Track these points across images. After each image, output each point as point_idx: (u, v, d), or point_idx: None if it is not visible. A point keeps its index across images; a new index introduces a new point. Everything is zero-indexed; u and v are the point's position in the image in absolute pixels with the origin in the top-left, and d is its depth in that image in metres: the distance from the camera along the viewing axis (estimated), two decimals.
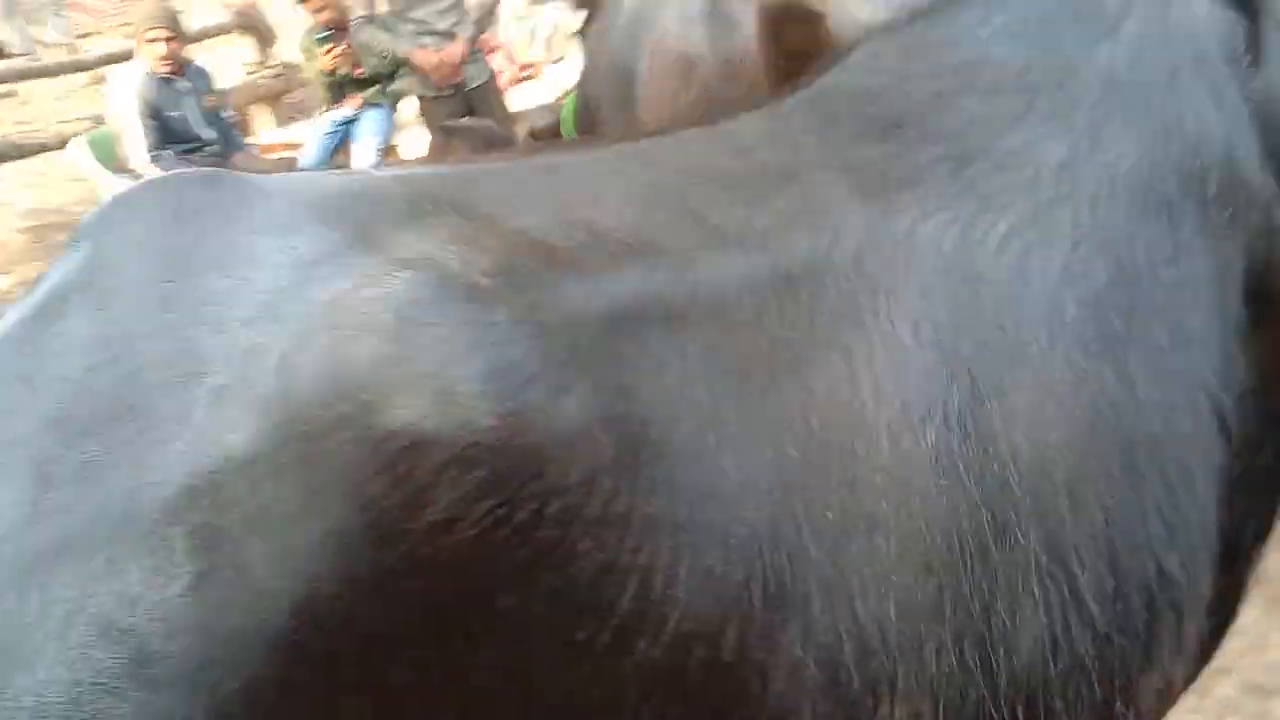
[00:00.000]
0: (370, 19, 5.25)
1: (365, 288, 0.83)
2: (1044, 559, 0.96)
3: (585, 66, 4.07)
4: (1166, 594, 1.02)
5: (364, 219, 0.90)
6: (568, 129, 4.14)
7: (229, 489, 0.75)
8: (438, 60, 5.16)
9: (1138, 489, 1.01)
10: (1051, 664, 0.97)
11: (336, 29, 5.76)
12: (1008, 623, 0.95)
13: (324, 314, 0.81)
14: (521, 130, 5.40)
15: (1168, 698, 1.14)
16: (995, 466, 0.95)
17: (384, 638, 0.77)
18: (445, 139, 5.09)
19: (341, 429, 0.77)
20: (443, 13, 5.24)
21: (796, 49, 2.83)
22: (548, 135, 4.76)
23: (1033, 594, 0.95)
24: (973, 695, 0.93)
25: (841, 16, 2.72)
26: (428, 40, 5.21)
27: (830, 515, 0.90)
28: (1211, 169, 1.11)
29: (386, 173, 1.11)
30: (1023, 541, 0.95)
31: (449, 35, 5.23)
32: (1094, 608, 0.98)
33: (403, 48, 5.20)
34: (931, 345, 0.97)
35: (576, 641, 0.82)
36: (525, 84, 6.85)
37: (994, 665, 0.94)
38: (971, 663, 0.94)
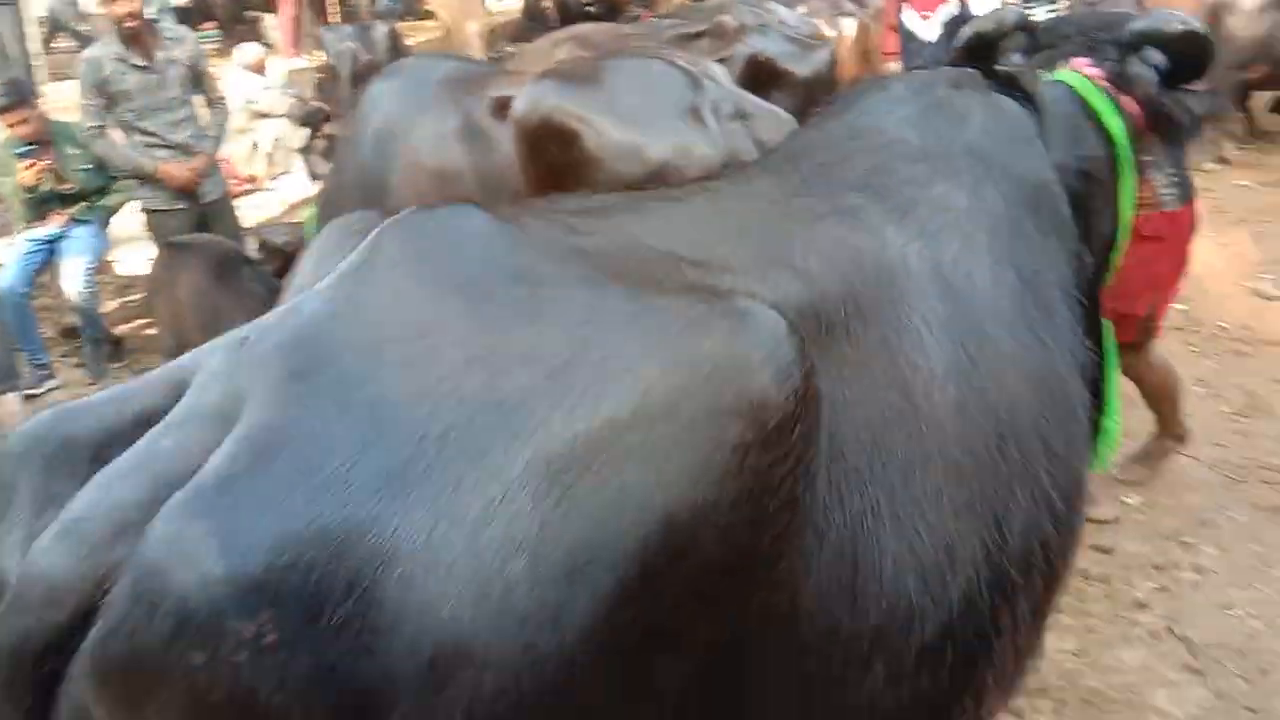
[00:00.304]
0: (100, 129, 5.03)
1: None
2: (1023, 468, 1.43)
3: (330, 180, 4.12)
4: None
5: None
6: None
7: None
8: (187, 174, 5.04)
9: (1065, 414, 1.53)
10: (1035, 541, 1.44)
11: (38, 143, 5.43)
12: (1010, 511, 1.40)
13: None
14: (253, 245, 5.28)
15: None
16: (990, 408, 1.41)
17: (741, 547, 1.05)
18: (172, 255, 4.91)
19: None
20: (176, 125, 5.12)
21: (557, 165, 3.07)
22: (285, 252, 4.70)
23: (1019, 492, 1.42)
24: (992, 560, 1.37)
25: (597, 136, 2.99)
26: (162, 154, 5.08)
27: (900, 452, 1.31)
28: (1048, 209, 1.71)
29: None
30: (1015, 456, 1.42)
31: (183, 148, 5.12)
32: (1055, 497, 1.47)
33: (145, 161, 5.03)
34: (939, 331, 1.41)
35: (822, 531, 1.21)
36: (247, 198, 6.71)
37: (1004, 540, 1.38)
38: (990, 542, 1.37)
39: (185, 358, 1.16)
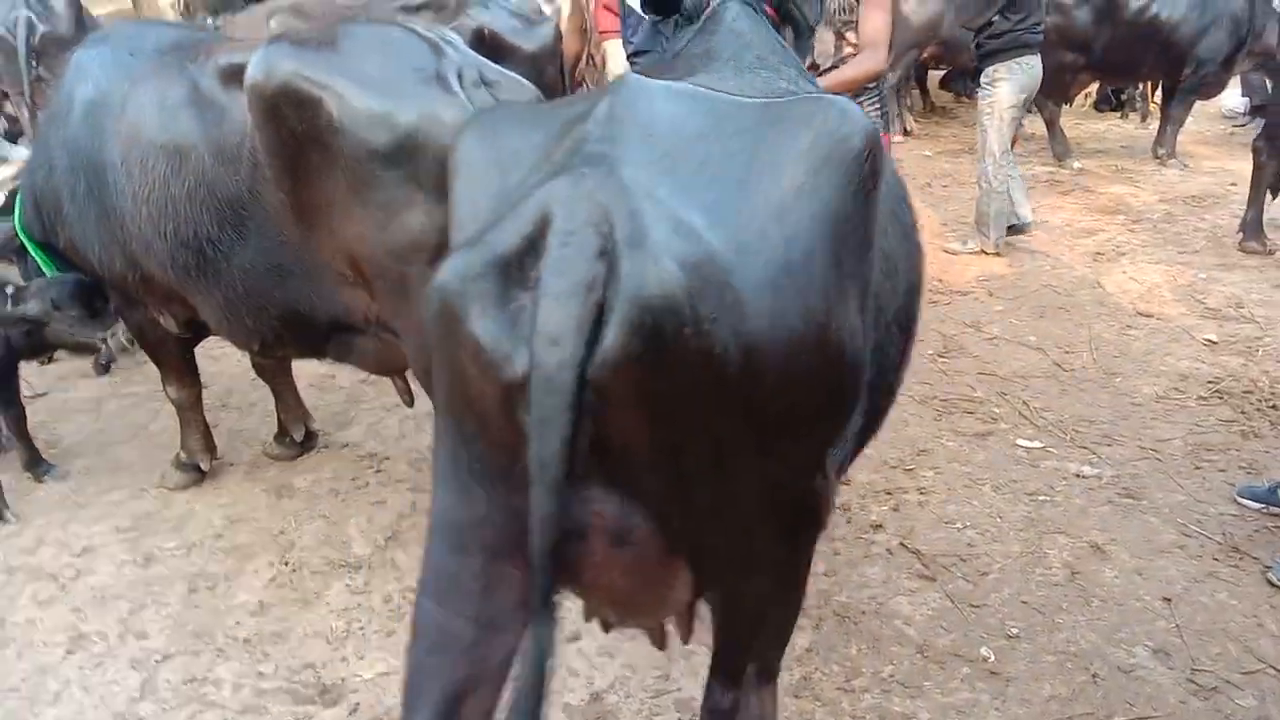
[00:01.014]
0: None
1: None
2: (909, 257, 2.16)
3: (34, 159, 3.73)
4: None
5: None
6: (19, 227, 3.75)
7: None
8: None
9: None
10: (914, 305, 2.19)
11: None
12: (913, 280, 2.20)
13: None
14: None
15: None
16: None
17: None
18: None
19: None
20: None
21: (298, 133, 2.95)
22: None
23: (911, 271, 2.18)
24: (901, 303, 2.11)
25: (340, 102, 2.89)
26: None
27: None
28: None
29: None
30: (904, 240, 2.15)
31: None
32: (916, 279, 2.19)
33: None
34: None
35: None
36: None
37: (908, 297, 2.16)
38: (901, 293, 2.10)
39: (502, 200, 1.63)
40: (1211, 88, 9.24)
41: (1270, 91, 9.67)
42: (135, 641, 3.19)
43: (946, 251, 6.89)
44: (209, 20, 10.08)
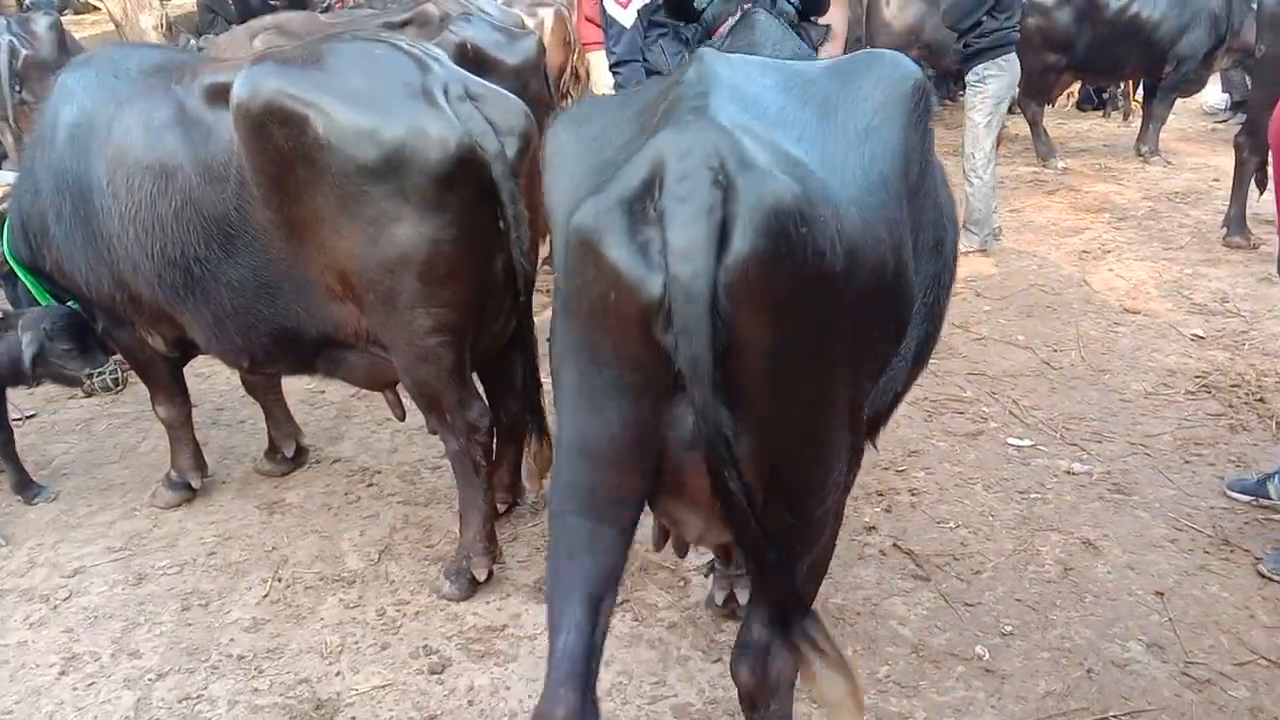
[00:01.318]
0: None
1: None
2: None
3: (20, 183, 3.73)
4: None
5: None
6: (8, 251, 3.76)
7: None
8: None
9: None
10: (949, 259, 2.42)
11: None
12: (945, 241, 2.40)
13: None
14: None
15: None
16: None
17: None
18: None
19: None
20: None
21: (284, 151, 2.96)
22: None
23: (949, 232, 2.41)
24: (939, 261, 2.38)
25: (326, 119, 2.91)
26: None
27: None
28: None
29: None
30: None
31: None
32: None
33: None
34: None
35: None
36: None
37: (942, 255, 2.38)
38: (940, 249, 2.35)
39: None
40: (1192, 85, 9.30)
41: (1250, 87, 9.76)
42: (129, 661, 3.18)
43: None
44: (192, 41, 10.09)
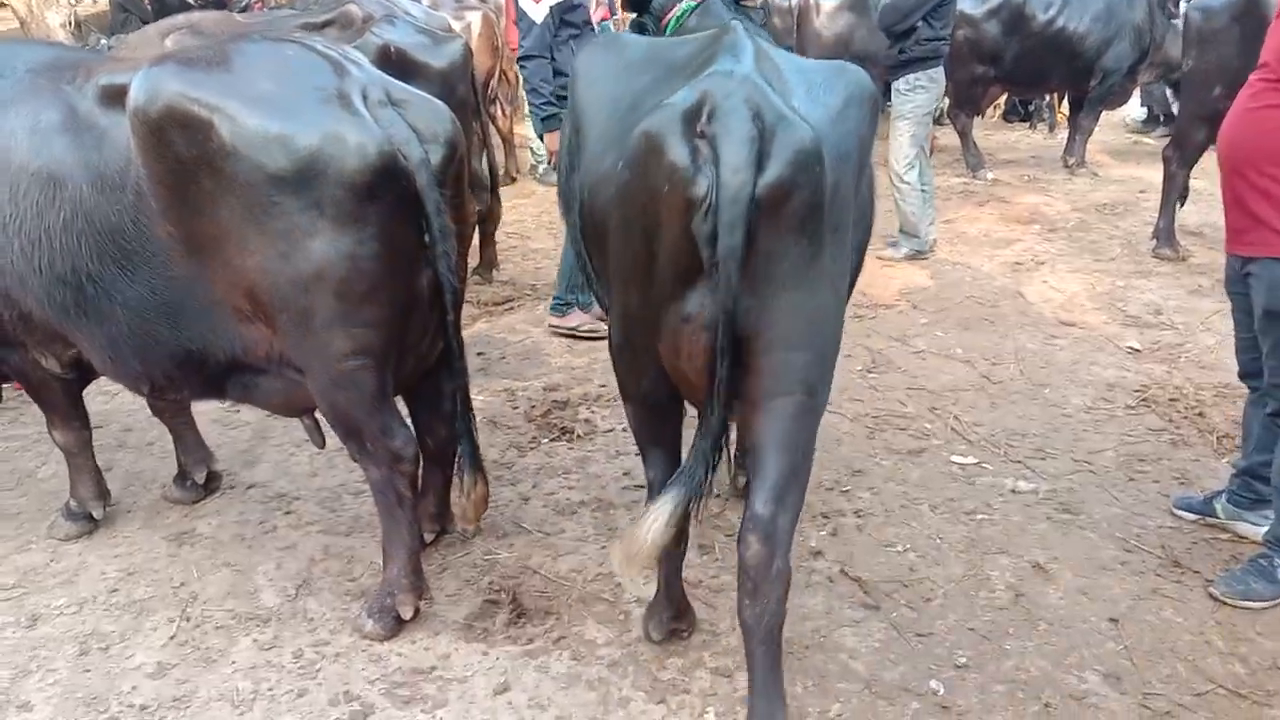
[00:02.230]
0: None
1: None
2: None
3: None
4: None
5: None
6: None
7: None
8: None
9: None
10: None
11: None
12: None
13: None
14: None
15: None
16: None
17: None
18: None
19: None
20: None
21: (186, 159, 2.73)
22: None
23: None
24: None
25: (233, 125, 2.68)
26: None
27: None
28: None
29: None
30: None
31: None
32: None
33: None
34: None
35: None
36: None
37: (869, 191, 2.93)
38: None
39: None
40: (1117, 98, 9.45)
41: (1174, 101, 9.96)
42: (18, 715, 2.89)
43: (880, 258, 6.86)
44: (102, 40, 9.64)
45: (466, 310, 6.24)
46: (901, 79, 6.61)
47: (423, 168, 2.81)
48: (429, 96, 3.05)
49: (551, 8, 5.13)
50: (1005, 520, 3.73)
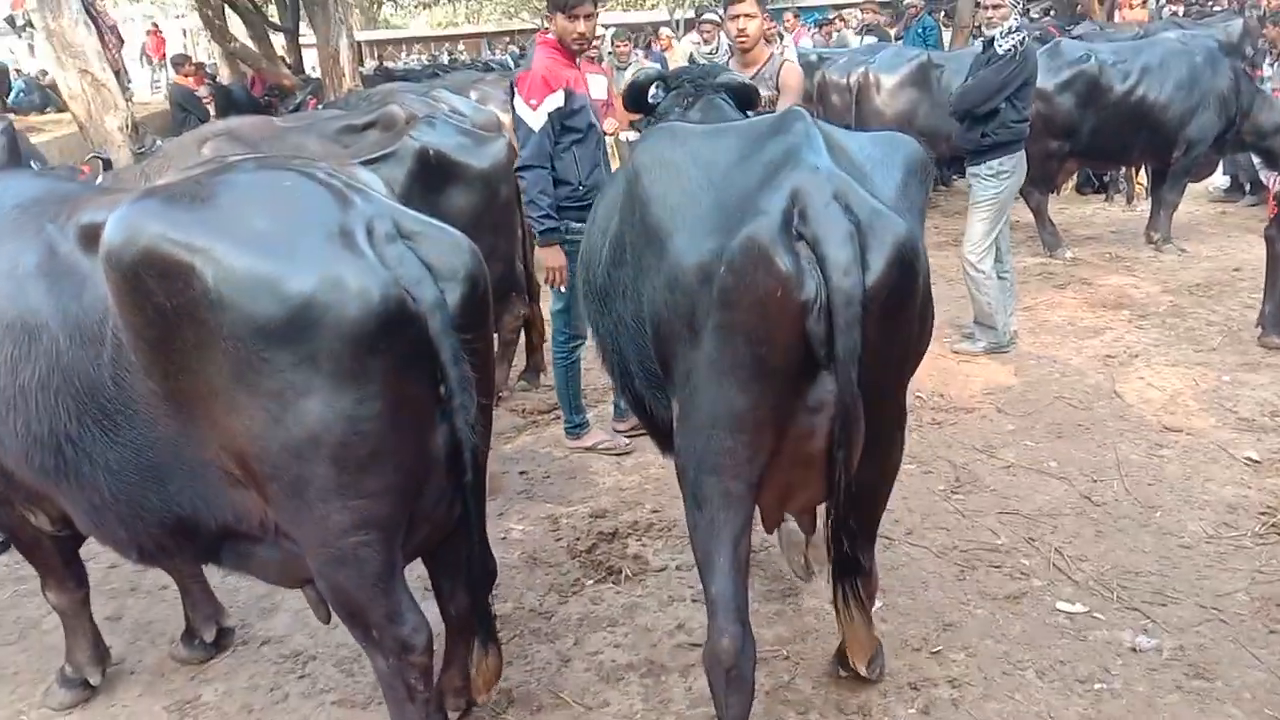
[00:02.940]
0: None
1: None
2: None
3: None
4: None
5: None
6: None
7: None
8: None
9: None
10: None
11: None
12: None
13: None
14: None
15: None
16: None
17: None
18: None
19: None
20: None
21: (167, 309, 2.38)
22: None
23: None
24: None
25: (217, 269, 2.34)
26: None
27: None
28: None
29: None
30: None
31: None
32: None
33: None
34: None
35: None
36: None
37: None
38: None
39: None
40: (1203, 169, 8.87)
41: (1257, 168, 9.35)
42: None
43: (956, 353, 6.36)
44: (158, 142, 9.63)
45: (510, 420, 5.87)
46: (983, 164, 6.15)
47: (436, 310, 2.43)
48: (446, 228, 2.68)
49: (550, 114, 4.77)
50: (1128, 690, 3.16)
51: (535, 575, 4.07)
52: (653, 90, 3.66)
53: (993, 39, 6.12)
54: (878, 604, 3.66)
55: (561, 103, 4.77)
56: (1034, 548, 4.04)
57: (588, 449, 5.30)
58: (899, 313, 2.43)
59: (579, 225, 4.48)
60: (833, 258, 2.28)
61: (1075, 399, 5.58)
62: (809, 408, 2.46)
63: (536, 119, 4.76)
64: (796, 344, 2.37)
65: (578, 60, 4.98)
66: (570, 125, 4.84)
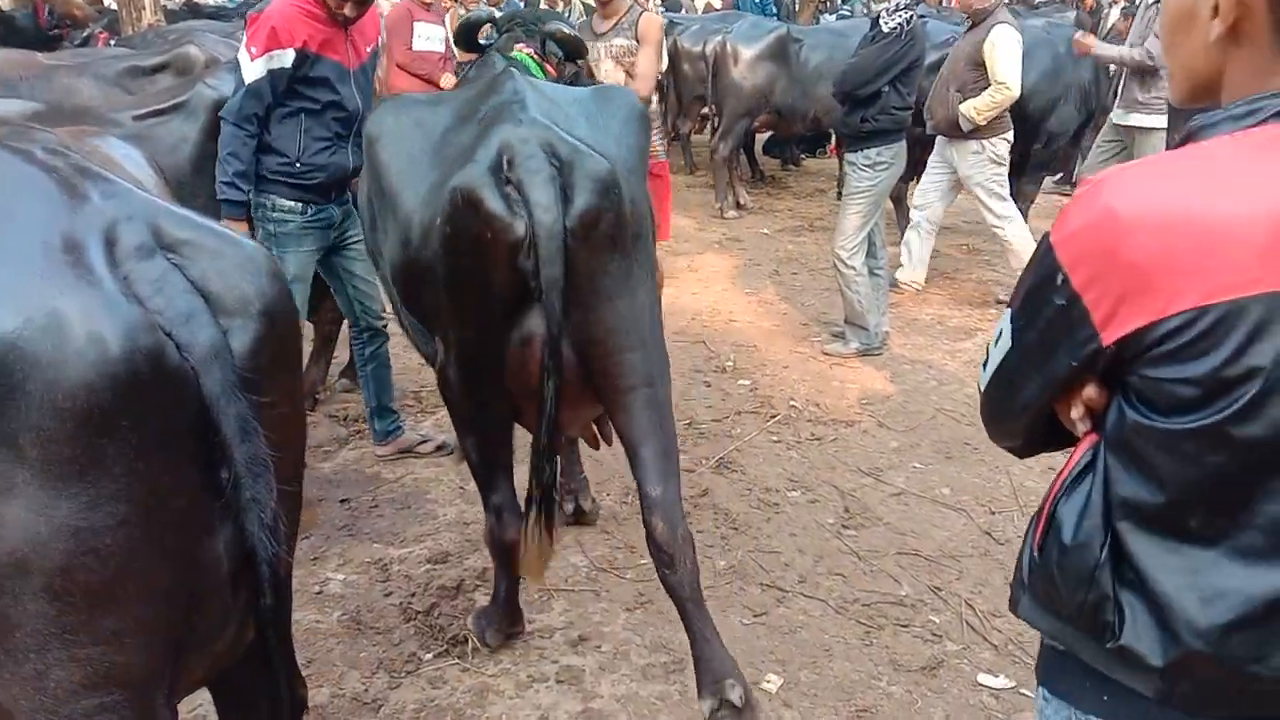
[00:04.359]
0: None
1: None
2: None
3: None
4: None
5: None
6: None
7: None
8: None
9: None
10: None
11: None
12: None
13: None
14: None
15: None
16: None
17: None
18: None
19: None
20: None
21: None
22: None
23: None
24: None
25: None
26: None
27: None
28: None
29: None
30: None
31: None
32: None
33: None
34: None
35: None
36: None
37: None
38: None
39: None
40: (1061, 163, 8.75)
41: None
42: None
43: (827, 354, 5.90)
44: None
45: (328, 430, 5.00)
46: (860, 153, 5.65)
47: (214, 362, 1.64)
48: (235, 234, 1.87)
49: (272, 71, 3.87)
50: None
51: (359, 647, 3.29)
52: (485, 30, 3.62)
53: (879, 16, 5.62)
54: (777, 681, 3.09)
55: (288, 64, 3.88)
56: (942, 600, 3.56)
57: (403, 452, 4.67)
58: (608, 241, 2.60)
59: (289, 203, 4.02)
60: (534, 198, 2.46)
61: (957, 412, 5.18)
62: (524, 339, 2.62)
63: (251, 71, 3.84)
64: (512, 280, 2.54)
65: (345, 17, 4.01)
66: (303, 92, 3.97)
